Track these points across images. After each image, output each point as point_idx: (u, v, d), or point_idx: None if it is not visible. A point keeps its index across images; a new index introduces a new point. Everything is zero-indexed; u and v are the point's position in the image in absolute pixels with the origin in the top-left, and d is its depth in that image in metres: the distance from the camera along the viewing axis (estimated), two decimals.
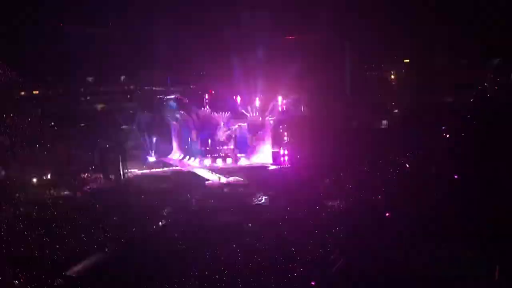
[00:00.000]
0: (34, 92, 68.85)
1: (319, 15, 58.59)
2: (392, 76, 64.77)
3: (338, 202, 36.14)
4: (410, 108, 55.68)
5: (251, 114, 54.17)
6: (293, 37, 63.08)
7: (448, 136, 50.08)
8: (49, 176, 46.85)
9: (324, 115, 53.13)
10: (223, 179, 46.61)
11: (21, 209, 37.68)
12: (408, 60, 63.56)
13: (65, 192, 42.82)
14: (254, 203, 38.69)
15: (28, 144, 54.83)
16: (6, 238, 31.52)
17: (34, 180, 45.40)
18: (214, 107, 55.05)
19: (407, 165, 43.56)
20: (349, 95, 60.16)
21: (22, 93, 67.71)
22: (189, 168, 50.54)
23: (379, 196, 36.63)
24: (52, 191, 42.84)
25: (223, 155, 53.00)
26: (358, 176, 41.67)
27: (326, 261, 26.97)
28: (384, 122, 57.83)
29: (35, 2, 69.36)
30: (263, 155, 52.14)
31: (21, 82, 65.52)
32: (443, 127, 50.73)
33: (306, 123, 51.95)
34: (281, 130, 51.79)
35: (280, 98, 52.67)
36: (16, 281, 25.72)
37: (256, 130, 53.55)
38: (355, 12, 59.28)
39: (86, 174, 47.07)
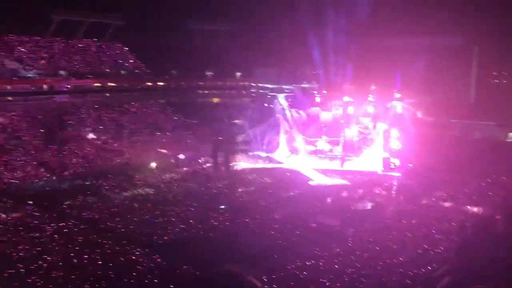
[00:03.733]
0: (158, 83, 74.27)
1: (447, 18, 55.36)
2: None
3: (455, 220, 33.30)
4: None
5: (362, 117, 52.69)
6: (417, 39, 60.36)
7: None
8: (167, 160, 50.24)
9: (443, 123, 49.86)
10: (328, 181, 45.94)
11: (139, 190, 40.88)
12: None
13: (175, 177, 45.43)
14: (358, 209, 37.35)
15: (150, 129, 59.80)
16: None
17: (153, 164, 48.77)
18: (325, 108, 54.28)
19: None
20: (474, 103, 55.86)
21: (149, 83, 73.53)
22: (295, 166, 50.54)
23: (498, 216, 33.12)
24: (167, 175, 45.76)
25: (330, 156, 52.31)
26: (475, 191, 38.51)
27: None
28: (511, 135, 52.79)
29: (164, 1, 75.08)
30: (372, 160, 50.11)
31: (148, 74, 71.38)
32: None
33: (423, 130, 48.97)
34: (393, 136, 49.20)
35: (395, 103, 50.18)
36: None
37: (367, 133, 51.97)
38: (487, 17, 54.97)
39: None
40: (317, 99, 55.58)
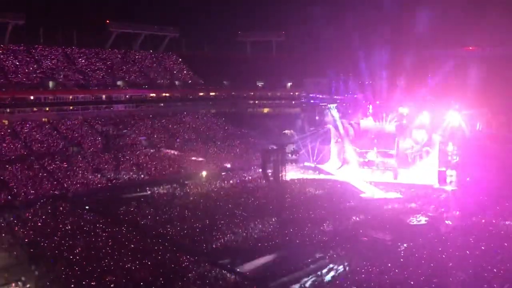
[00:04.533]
0: (211, 94, 75.66)
1: (506, 27, 52.92)
2: None
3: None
4: None
5: (417, 129, 50.88)
6: (473, 48, 58.03)
7: None
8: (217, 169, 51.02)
9: (503, 136, 47.20)
10: (380, 194, 44.77)
11: (190, 198, 41.75)
12: None
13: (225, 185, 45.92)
14: (411, 223, 36.16)
15: (201, 138, 60.80)
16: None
17: (204, 172, 49.60)
18: (378, 118, 53.27)
19: None
20: None
21: (201, 93, 74.98)
22: (345, 178, 49.72)
23: None
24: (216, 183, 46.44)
25: (383, 168, 51.15)
26: None
27: None
28: None
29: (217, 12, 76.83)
30: (427, 173, 48.25)
31: (201, 84, 72.67)
32: None
33: (481, 142, 46.69)
34: (451, 148, 47.30)
35: (452, 114, 48.30)
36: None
37: (422, 145, 50.05)
38: None
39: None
40: (370, 110, 54.39)
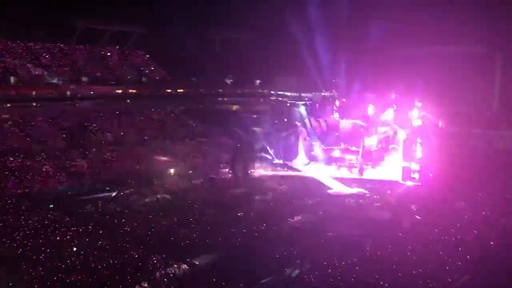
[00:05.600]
0: (179, 90, 75.03)
1: (470, 25, 54.58)
2: None
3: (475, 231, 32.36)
4: None
5: (382, 126, 52.00)
6: (438, 48, 59.65)
7: None
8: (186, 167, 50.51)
9: (465, 133, 48.93)
10: (347, 189, 45.37)
11: (158, 196, 41.14)
12: None
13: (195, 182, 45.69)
14: (377, 217, 36.51)
15: (169, 136, 60.21)
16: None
17: (172, 170, 49.11)
18: (344, 115, 54.07)
19: None
20: (496, 113, 54.73)
21: (169, 90, 74.18)
22: (313, 175, 50.25)
23: None
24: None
25: (349, 164, 51.80)
26: (498, 203, 37.56)
27: None
28: None
29: (185, 10, 76.11)
30: (392, 169, 49.44)
31: (168, 81, 71.82)
32: None
33: (444, 140, 48.10)
34: (414, 144, 48.42)
35: (416, 111, 49.53)
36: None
37: (387, 142, 51.33)
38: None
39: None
40: (337, 107, 55.05)
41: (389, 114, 51.99)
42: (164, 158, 53.26)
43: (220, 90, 79.48)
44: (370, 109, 53.53)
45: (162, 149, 56.24)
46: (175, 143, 59.15)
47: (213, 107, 76.21)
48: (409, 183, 46.78)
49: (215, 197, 41.28)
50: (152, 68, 75.94)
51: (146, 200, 40.12)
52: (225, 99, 79.20)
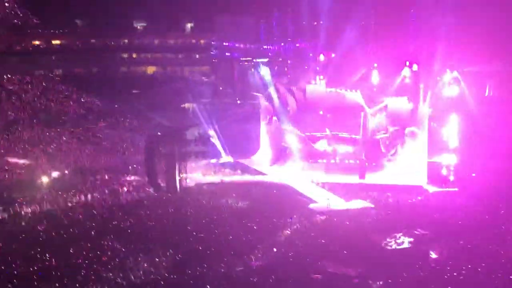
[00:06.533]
0: (53, 42, 73.39)
1: None
2: None
3: None
4: None
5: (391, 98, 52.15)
6: None
7: None
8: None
9: None
10: (340, 203, 44.97)
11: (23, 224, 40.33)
12: None
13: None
14: (388, 247, 36.66)
15: (39, 119, 58.37)
16: None
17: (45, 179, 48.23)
18: (333, 81, 53.76)
19: None
20: None
21: (37, 42, 72.47)
22: (284, 180, 50.14)
23: None
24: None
25: (341, 162, 52.28)
26: None
27: None
28: None
29: None
30: (410, 168, 49.79)
31: (35, 26, 70.09)
32: None
33: (493, 116, 49.13)
34: (446, 126, 48.98)
35: (448, 73, 49.82)
36: None
37: (402, 125, 51.39)
38: None
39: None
40: (320, 68, 55.22)
41: (404, 79, 52.02)
42: (30, 157, 52.08)
43: (126, 41, 79.14)
44: (375, 72, 53.73)
45: (24, 141, 54.20)
46: (49, 131, 56.93)
47: (114, 71, 75.61)
48: (439, 189, 47.04)
49: (120, 223, 39.86)
50: (8, 6, 74.06)
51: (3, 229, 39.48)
52: (135, 55, 78.91)
